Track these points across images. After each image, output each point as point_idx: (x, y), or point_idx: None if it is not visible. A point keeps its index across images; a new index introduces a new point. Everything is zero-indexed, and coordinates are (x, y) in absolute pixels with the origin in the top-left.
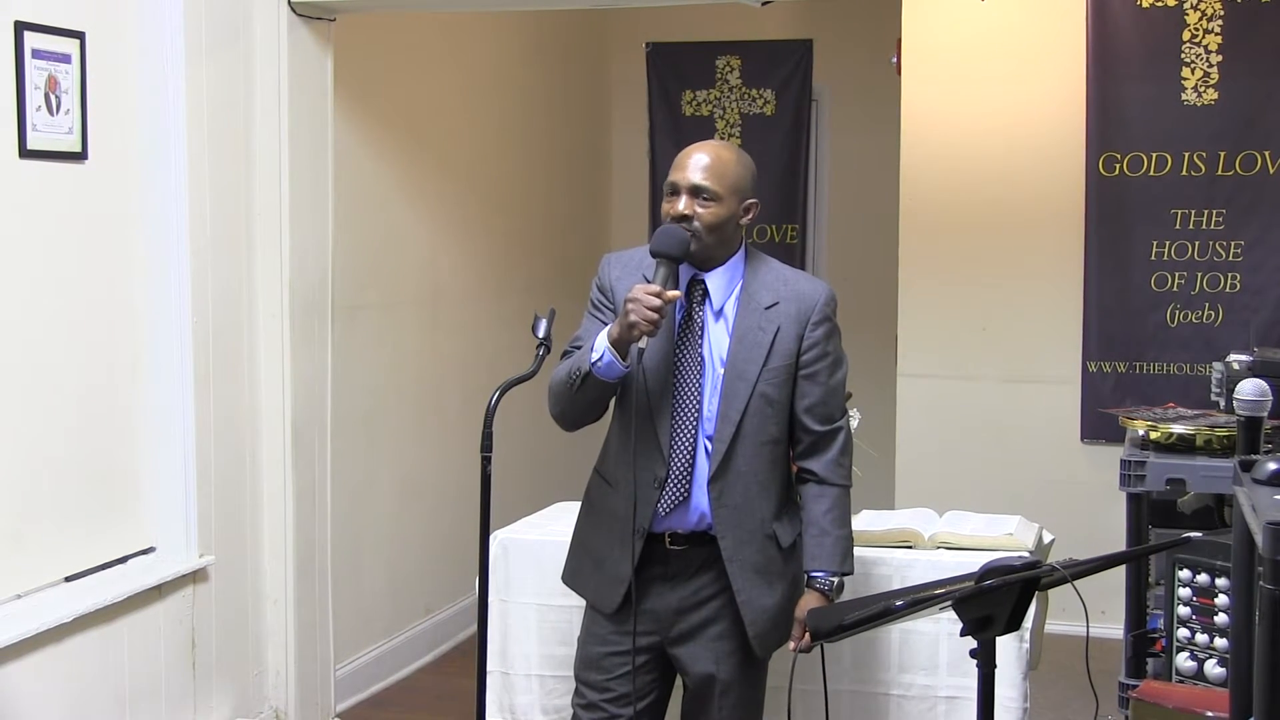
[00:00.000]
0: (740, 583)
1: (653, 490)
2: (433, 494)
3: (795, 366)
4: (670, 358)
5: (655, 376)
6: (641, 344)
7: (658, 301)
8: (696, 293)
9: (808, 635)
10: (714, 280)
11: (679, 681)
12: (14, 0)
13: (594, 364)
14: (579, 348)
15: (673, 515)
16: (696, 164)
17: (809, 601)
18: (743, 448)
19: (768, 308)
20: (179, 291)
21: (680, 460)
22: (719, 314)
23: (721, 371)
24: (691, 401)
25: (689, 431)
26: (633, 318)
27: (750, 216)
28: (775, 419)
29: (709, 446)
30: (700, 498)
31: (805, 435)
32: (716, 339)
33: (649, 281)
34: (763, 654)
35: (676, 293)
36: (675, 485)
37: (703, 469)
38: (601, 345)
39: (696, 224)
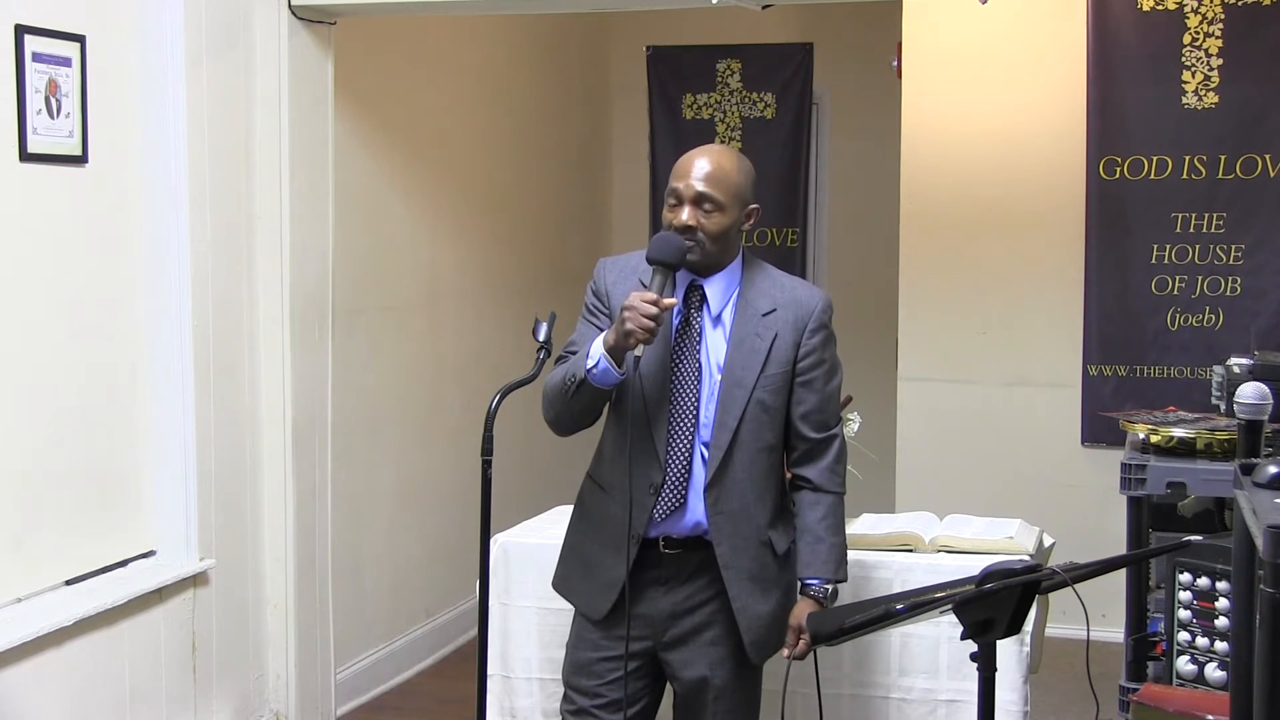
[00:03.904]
0: (736, 589)
1: (648, 496)
2: (433, 498)
3: (792, 373)
4: (667, 364)
5: (652, 383)
6: (637, 351)
7: (655, 310)
8: (694, 299)
9: (802, 642)
10: (712, 286)
11: (669, 687)
12: (14, 4)
13: (589, 370)
14: (574, 353)
15: (668, 521)
16: (699, 172)
17: (803, 609)
18: (739, 454)
19: (765, 314)
20: (179, 295)
21: (676, 467)
22: (716, 320)
23: (719, 378)
24: (688, 408)
25: (685, 438)
26: (629, 325)
27: (751, 222)
28: (772, 426)
29: (705, 453)
30: (696, 504)
31: (800, 442)
32: (714, 345)
33: (645, 287)
34: (759, 660)
35: (673, 300)
36: (671, 491)
37: (699, 475)
38: (597, 352)
39: (701, 235)
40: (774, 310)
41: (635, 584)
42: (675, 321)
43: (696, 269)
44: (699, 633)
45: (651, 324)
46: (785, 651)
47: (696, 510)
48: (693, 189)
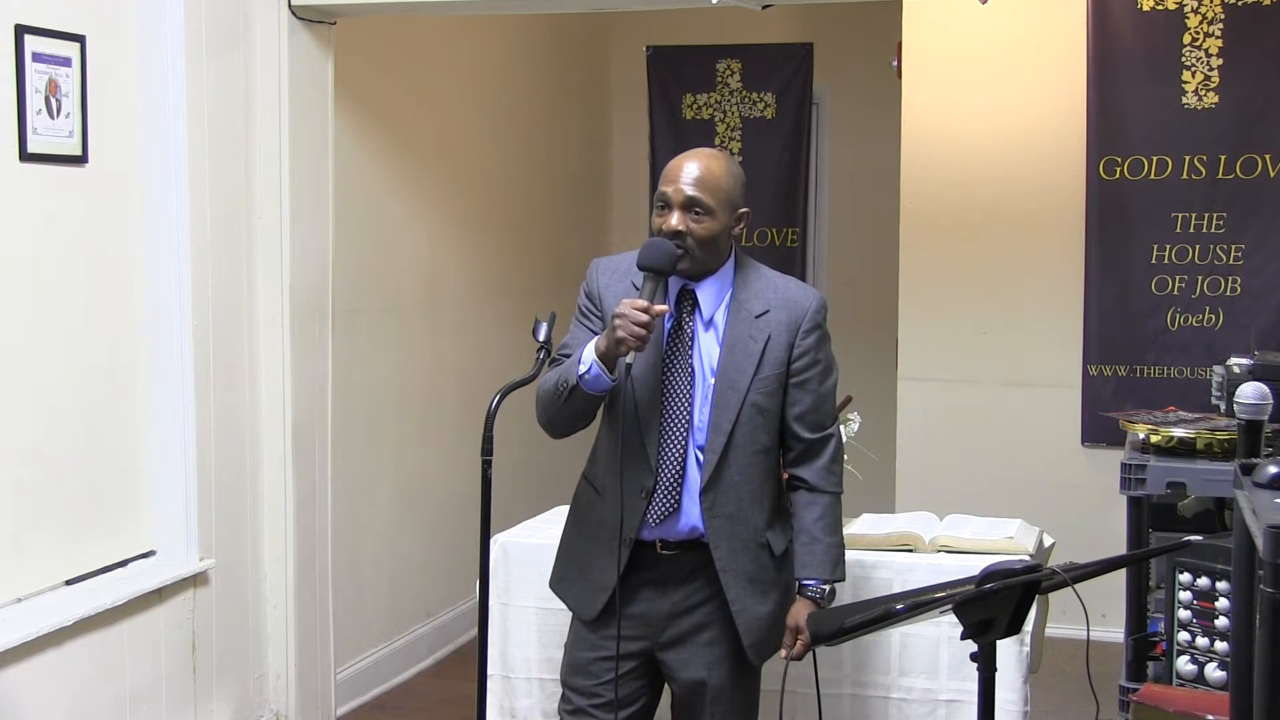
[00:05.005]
0: (734, 593)
1: (640, 500)
2: (433, 497)
3: (786, 375)
4: (659, 368)
5: (644, 387)
6: (629, 358)
7: (645, 317)
8: (686, 303)
9: (799, 643)
10: (704, 290)
11: (667, 687)
12: (14, 3)
13: (581, 376)
14: (567, 355)
15: (663, 525)
16: (688, 176)
17: (800, 609)
18: (735, 458)
19: (758, 316)
20: (179, 295)
21: (669, 471)
22: (709, 323)
23: (712, 381)
24: (681, 412)
25: (678, 442)
26: (620, 333)
27: (742, 226)
28: (767, 428)
29: (700, 457)
30: (691, 508)
31: (796, 443)
32: (707, 349)
33: (637, 290)
34: (758, 662)
35: (664, 307)
36: (664, 496)
37: (694, 479)
38: (589, 358)
39: (690, 240)
40: (767, 311)
41: (631, 585)
42: (668, 326)
43: (688, 273)
44: (696, 633)
45: (643, 331)
46: (783, 652)
47: (692, 514)
48: (682, 194)
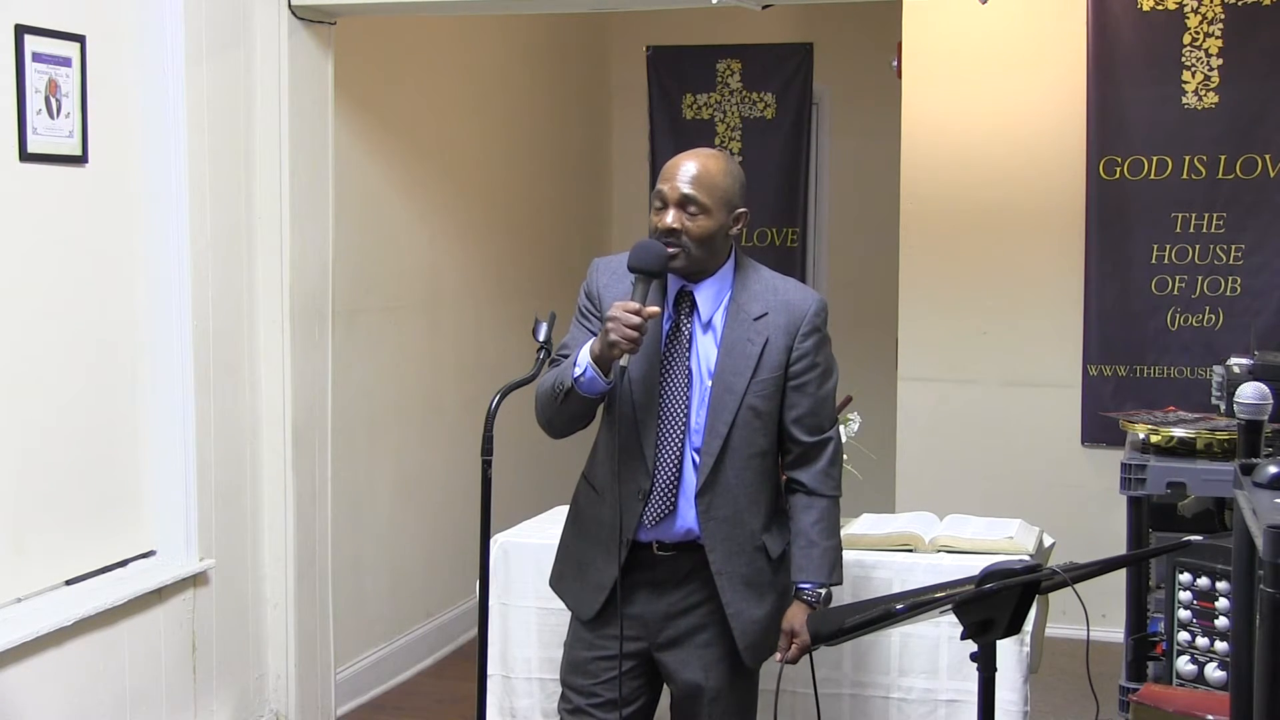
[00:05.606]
0: (729, 595)
1: (636, 502)
2: (433, 497)
3: (784, 378)
4: (657, 370)
5: (642, 389)
6: (623, 361)
7: (637, 320)
8: (684, 305)
9: (794, 646)
10: (702, 292)
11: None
12: (15, 4)
13: (576, 379)
14: (567, 355)
15: (659, 527)
16: (685, 174)
17: (796, 612)
18: (731, 460)
19: (756, 319)
20: (179, 295)
21: (665, 473)
22: (707, 326)
23: (709, 384)
24: (678, 414)
25: (675, 444)
26: (612, 336)
27: (740, 226)
28: (764, 431)
29: (696, 459)
30: (687, 510)
31: (794, 446)
32: (704, 351)
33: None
34: (753, 664)
35: (655, 309)
36: (660, 498)
37: (690, 482)
38: (584, 360)
39: (685, 238)
40: (765, 314)
41: (628, 586)
42: (665, 328)
43: (686, 274)
44: (693, 635)
45: (634, 334)
46: (778, 656)
47: (688, 516)
48: (678, 191)
